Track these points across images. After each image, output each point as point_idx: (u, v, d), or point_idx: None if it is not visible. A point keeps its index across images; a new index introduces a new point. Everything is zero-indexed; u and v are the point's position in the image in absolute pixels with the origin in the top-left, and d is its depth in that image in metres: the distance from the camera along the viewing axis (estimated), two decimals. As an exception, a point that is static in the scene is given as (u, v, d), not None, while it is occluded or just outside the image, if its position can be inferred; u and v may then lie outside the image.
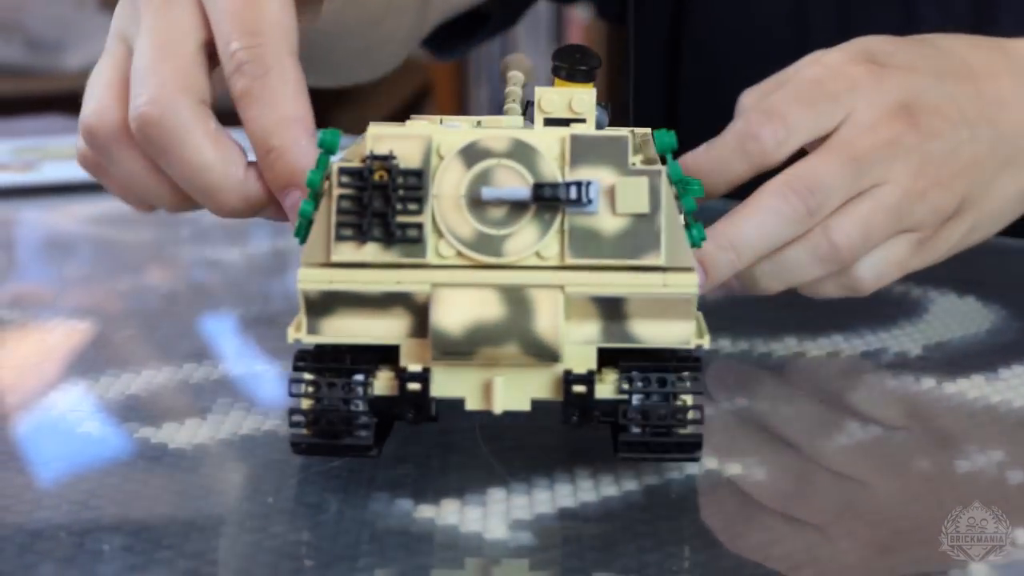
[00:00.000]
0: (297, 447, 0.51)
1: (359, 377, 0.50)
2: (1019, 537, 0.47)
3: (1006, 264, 0.81)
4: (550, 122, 0.51)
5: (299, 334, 0.50)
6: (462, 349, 0.49)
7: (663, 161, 0.50)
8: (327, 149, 0.50)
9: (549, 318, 0.49)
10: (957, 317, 0.72)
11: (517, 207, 0.49)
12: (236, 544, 0.47)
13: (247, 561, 0.46)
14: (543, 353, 0.49)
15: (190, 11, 0.56)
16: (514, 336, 0.49)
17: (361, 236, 0.49)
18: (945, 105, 0.64)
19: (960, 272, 0.71)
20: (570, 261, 0.49)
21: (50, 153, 1.26)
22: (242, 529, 0.48)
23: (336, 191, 0.49)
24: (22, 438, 0.60)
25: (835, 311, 0.67)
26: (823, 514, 0.50)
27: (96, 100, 0.57)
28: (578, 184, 0.48)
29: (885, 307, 0.72)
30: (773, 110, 0.61)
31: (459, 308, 0.48)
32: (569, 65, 0.52)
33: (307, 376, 0.50)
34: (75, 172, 1.31)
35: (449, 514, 0.49)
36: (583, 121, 0.51)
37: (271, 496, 0.52)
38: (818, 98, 0.62)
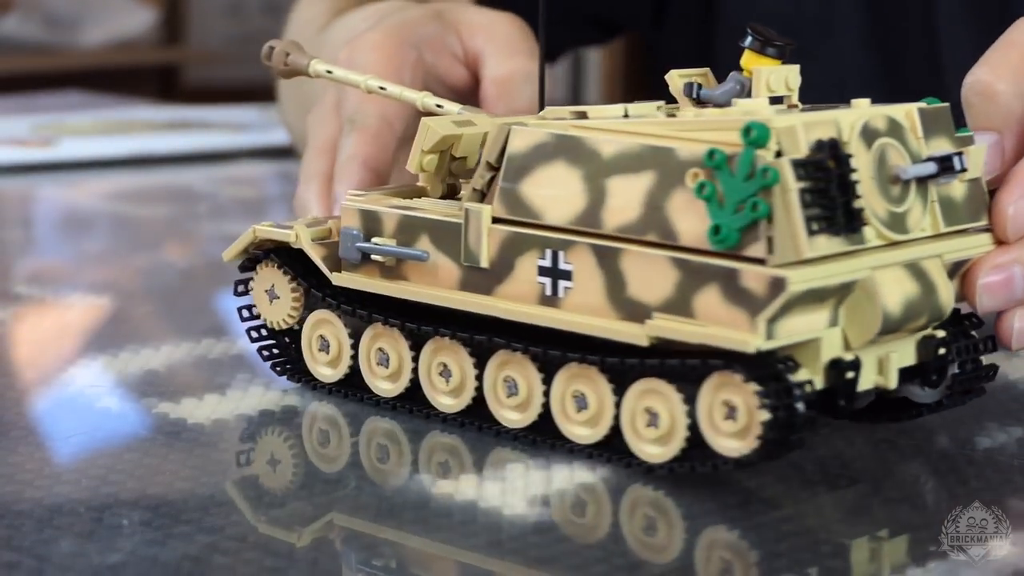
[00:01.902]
0: (743, 461, 0.48)
1: (804, 376, 0.48)
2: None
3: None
4: (775, 100, 0.52)
5: (758, 340, 0.47)
6: (896, 327, 0.49)
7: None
8: (756, 143, 0.47)
9: (946, 287, 0.51)
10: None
11: (905, 184, 0.50)
12: (255, 519, 0.47)
13: (266, 536, 0.46)
14: (941, 320, 0.51)
15: None
16: (927, 308, 0.50)
17: (831, 228, 0.48)
18: None
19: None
20: (942, 229, 0.51)
21: (68, 129, 1.26)
22: (261, 504, 0.48)
23: (794, 184, 0.47)
24: (41, 414, 0.60)
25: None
26: (846, 490, 0.50)
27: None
28: (959, 155, 0.51)
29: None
30: None
31: (894, 288, 0.49)
32: (765, 39, 0.53)
33: (763, 384, 0.47)
34: (92, 148, 1.30)
35: (468, 489, 0.49)
36: (790, 97, 0.53)
37: (290, 472, 0.52)
38: None
